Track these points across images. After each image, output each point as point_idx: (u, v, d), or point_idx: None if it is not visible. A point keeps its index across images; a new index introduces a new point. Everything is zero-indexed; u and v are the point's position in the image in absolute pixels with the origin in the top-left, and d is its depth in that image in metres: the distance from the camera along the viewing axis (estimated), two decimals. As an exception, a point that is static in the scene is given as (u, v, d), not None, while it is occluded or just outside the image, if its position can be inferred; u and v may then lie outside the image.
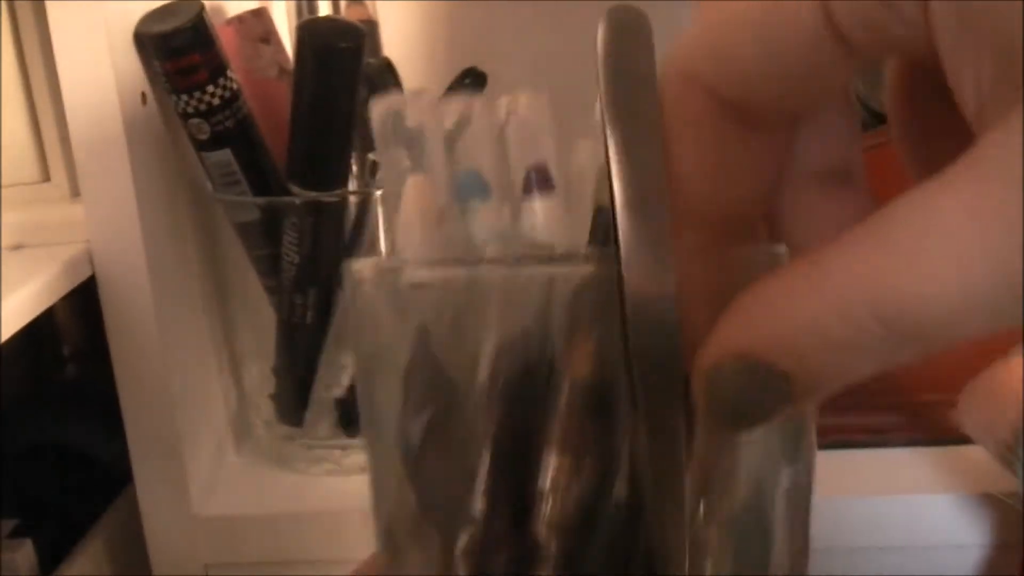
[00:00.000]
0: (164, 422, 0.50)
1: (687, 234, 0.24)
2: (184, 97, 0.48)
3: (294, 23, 0.56)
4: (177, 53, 0.47)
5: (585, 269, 0.25)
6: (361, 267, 0.26)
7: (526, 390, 0.25)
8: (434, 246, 0.27)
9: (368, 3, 0.58)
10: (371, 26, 0.55)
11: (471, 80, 0.51)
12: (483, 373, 0.25)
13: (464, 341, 0.26)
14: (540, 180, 0.28)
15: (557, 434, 0.25)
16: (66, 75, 0.46)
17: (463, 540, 0.25)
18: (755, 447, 0.26)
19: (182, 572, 0.53)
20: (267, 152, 0.52)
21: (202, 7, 0.48)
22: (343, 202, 0.51)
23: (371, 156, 0.50)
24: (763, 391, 0.21)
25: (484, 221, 0.27)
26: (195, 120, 0.49)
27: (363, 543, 0.54)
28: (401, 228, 0.27)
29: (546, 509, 0.25)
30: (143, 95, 0.48)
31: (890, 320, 0.20)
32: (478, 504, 0.25)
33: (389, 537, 0.27)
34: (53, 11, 0.46)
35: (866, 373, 0.21)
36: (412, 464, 0.26)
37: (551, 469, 0.25)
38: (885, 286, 0.20)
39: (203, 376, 0.54)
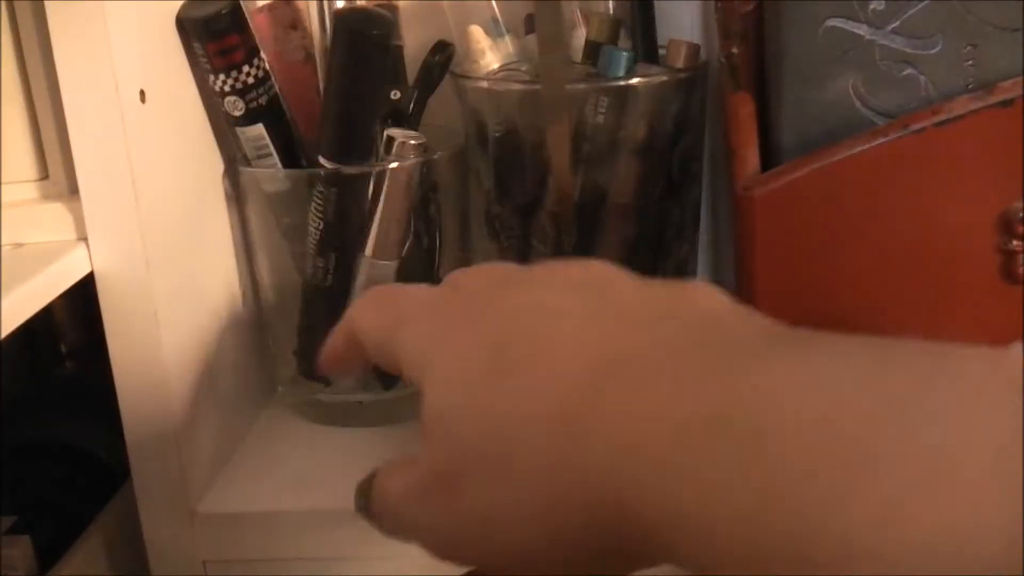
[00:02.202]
0: (162, 419, 0.50)
1: None
2: (222, 76, 0.54)
3: (314, 11, 0.57)
4: (218, 35, 0.53)
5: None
6: None
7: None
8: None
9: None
10: (393, 11, 0.59)
11: (440, 53, 0.58)
12: None
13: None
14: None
15: None
16: (65, 72, 0.46)
17: None
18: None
19: (180, 569, 0.53)
20: (295, 127, 0.57)
21: None
22: (365, 174, 0.55)
23: (388, 132, 0.55)
24: None
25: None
26: (231, 98, 0.54)
27: (360, 542, 0.54)
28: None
29: None
30: (142, 92, 0.48)
31: None
32: None
33: None
34: (52, 7, 0.46)
35: None
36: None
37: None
38: None
39: (202, 374, 0.54)
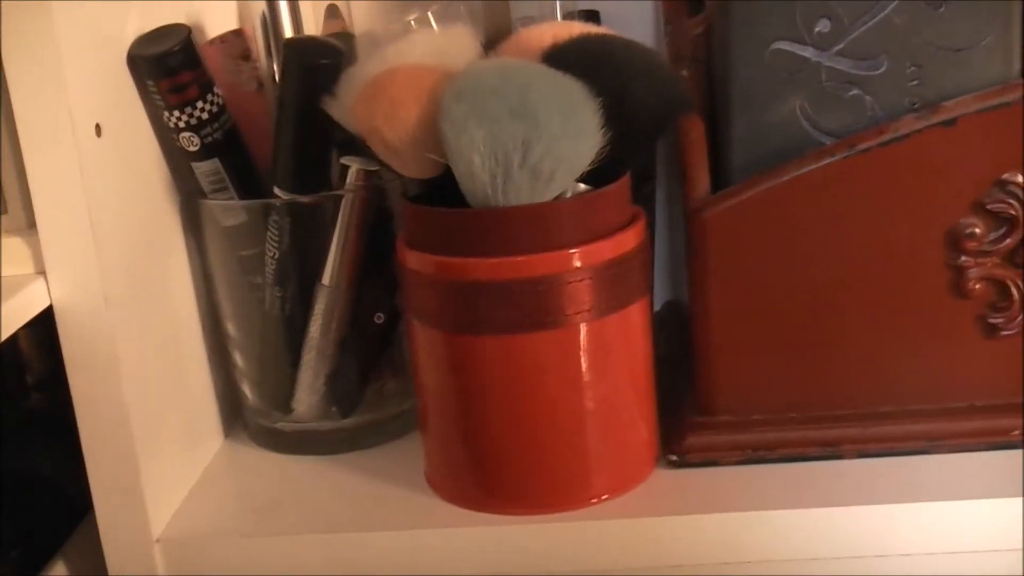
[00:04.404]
0: (123, 450, 0.50)
1: None
2: (176, 113, 0.53)
3: (260, 42, 0.58)
4: (171, 72, 0.52)
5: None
6: None
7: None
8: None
9: (344, 14, 0.61)
10: (348, 39, 0.59)
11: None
12: None
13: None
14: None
15: None
16: (20, 106, 0.47)
17: None
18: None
19: (145, 598, 0.53)
20: (251, 159, 0.57)
21: (189, 30, 0.53)
22: (319, 203, 0.55)
23: (342, 160, 0.55)
24: None
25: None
26: (186, 133, 0.54)
27: (323, 566, 0.54)
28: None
29: None
30: (97, 127, 0.49)
31: None
32: None
33: None
34: (7, 43, 0.46)
35: None
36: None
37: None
38: None
39: (163, 405, 0.54)
